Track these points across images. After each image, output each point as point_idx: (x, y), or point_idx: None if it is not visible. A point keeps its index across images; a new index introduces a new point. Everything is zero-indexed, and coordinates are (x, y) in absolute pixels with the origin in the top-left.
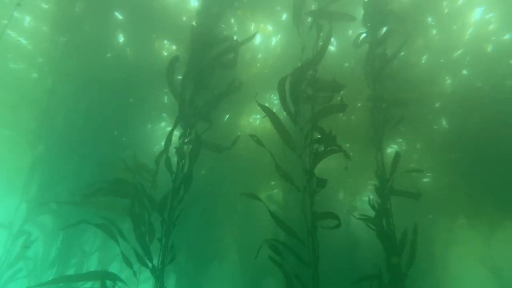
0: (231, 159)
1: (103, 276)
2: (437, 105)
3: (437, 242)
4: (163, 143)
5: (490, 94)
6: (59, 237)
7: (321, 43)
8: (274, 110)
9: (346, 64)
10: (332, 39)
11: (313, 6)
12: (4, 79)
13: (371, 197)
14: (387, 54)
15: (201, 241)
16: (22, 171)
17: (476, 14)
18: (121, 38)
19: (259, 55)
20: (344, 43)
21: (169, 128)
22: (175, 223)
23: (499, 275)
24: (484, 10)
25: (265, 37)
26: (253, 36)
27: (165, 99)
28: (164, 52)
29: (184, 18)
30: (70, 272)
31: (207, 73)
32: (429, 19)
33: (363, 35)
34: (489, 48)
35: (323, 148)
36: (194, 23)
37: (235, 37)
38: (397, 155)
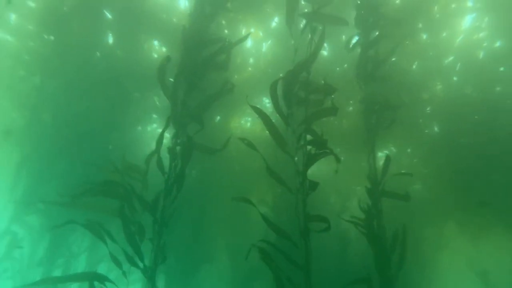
0: (222, 161)
1: (91, 277)
2: (428, 110)
3: (426, 246)
4: (153, 145)
5: (481, 101)
6: (46, 237)
7: (314, 45)
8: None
9: (338, 69)
10: (325, 44)
11: (305, 9)
12: None
13: (361, 199)
14: (379, 57)
15: (191, 243)
16: (9, 170)
17: (467, 22)
18: (110, 39)
19: (251, 60)
20: (336, 47)
21: (160, 130)
22: (167, 223)
23: (486, 279)
24: (474, 18)
25: (256, 42)
26: (246, 37)
27: (156, 100)
28: (154, 54)
29: (174, 19)
30: (57, 272)
31: (199, 74)
32: (420, 25)
33: (356, 38)
34: (480, 55)
35: (315, 150)
36: (185, 23)
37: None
38: (388, 158)
